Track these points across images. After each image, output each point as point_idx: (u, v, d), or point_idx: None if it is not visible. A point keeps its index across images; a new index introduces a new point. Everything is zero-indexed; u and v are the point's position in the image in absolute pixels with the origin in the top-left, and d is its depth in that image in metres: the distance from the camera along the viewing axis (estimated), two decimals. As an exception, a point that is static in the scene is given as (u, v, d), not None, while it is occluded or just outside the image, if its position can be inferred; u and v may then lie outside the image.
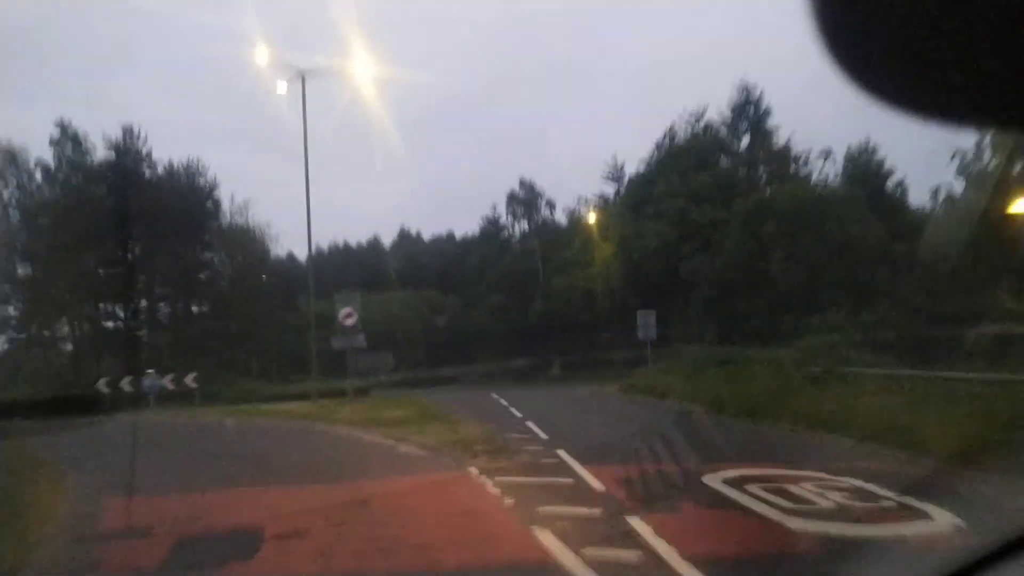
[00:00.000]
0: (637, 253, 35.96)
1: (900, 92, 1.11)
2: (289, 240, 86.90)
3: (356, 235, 72.73)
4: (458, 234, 71.25)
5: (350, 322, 24.19)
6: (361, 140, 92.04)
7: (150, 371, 31.40)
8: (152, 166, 38.56)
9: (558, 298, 47.39)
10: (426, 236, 74.07)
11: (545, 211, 55.36)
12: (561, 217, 54.35)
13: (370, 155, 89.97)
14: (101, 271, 37.53)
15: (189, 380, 31.61)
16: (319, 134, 60.34)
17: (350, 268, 56.98)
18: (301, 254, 55.89)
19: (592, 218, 45.93)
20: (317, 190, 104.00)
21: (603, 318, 42.13)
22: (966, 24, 1.00)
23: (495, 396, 26.56)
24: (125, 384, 30.81)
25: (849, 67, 1.09)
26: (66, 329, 37.56)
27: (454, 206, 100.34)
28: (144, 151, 38.00)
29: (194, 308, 39.42)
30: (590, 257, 44.00)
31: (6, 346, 37.12)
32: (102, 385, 30.73)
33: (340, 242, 70.72)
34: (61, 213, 35.89)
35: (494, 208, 60.59)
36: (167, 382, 31.24)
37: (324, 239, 69.33)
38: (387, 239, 72.61)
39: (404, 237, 74.33)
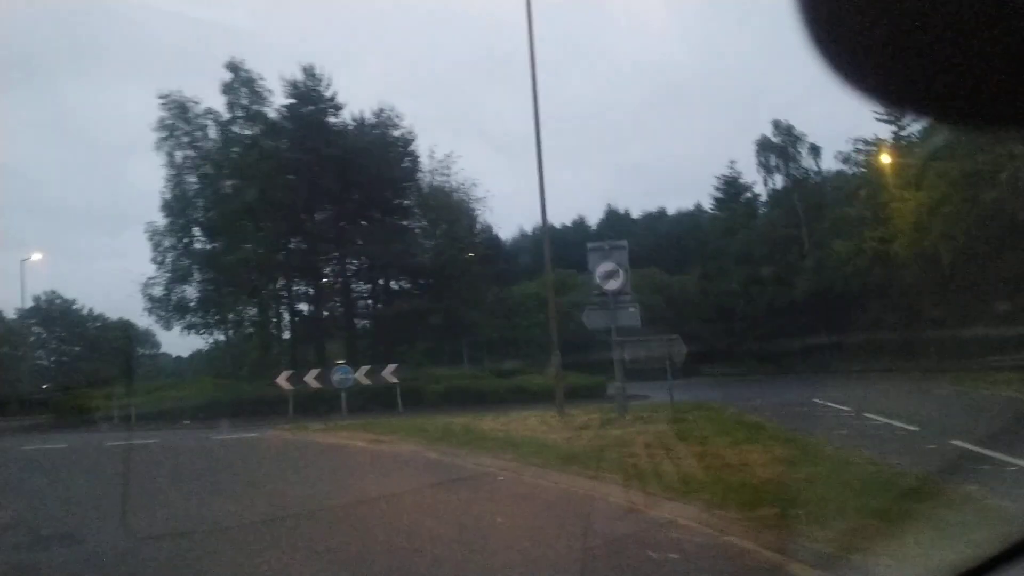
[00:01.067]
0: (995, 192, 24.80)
1: (894, 90, 1.11)
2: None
3: (559, 216, 65.66)
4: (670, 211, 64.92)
5: (614, 284, 15.63)
6: (568, 119, 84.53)
7: (341, 362, 24.80)
8: (339, 114, 32.43)
9: (832, 266, 36.71)
10: (635, 214, 67.69)
11: (808, 161, 43.93)
12: (831, 165, 42.77)
13: (578, 134, 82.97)
14: (286, 242, 31.67)
15: (388, 374, 24.63)
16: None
17: (556, 249, 49.53)
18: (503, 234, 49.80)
19: (886, 160, 34.68)
20: (521, 170, 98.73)
21: (921, 288, 31.00)
22: (958, 22, 0.99)
23: (873, 415, 13.93)
24: (311, 379, 24.39)
25: (839, 64, 1.08)
26: (250, 311, 32.01)
27: (664, 185, 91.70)
28: (329, 96, 31.93)
29: (393, 285, 32.75)
30: (887, 212, 32.93)
31: (186, 332, 32.12)
32: (283, 380, 24.47)
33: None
34: (239, 173, 30.31)
35: (731, 166, 50.21)
36: (361, 376, 24.50)
37: (527, 221, 63.97)
38: (593, 219, 66.59)
39: (611, 215, 67.17)
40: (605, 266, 15.67)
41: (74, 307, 65.16)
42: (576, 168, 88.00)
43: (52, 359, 63.53)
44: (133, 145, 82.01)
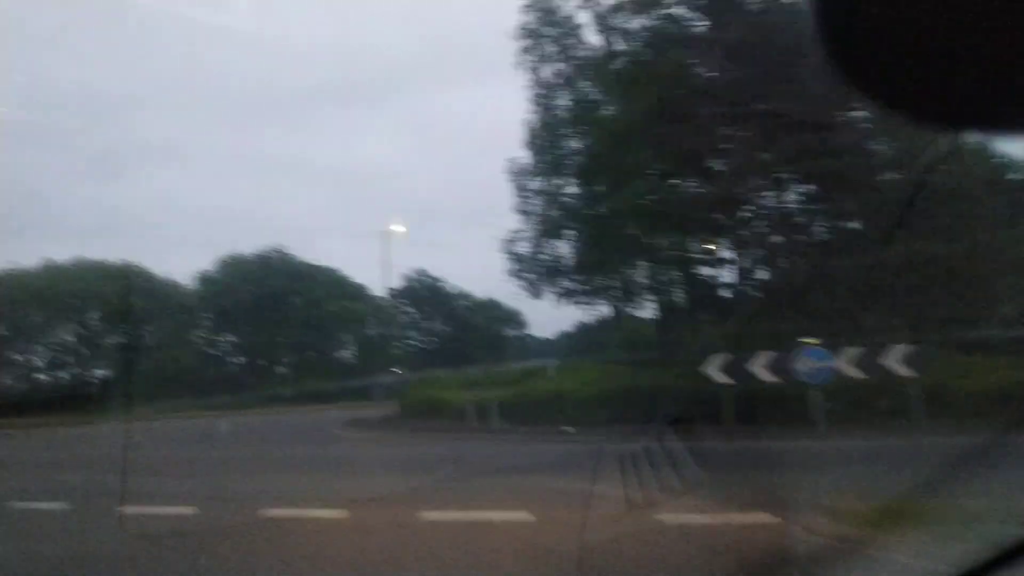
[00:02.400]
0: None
1: (902, 97, 1.10)
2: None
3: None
4: None
5: None
6: None
7: (811, 341, 14.96)
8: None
9: None
10: None
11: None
12: None
13: None
14: (693, 180, 22.49)
15: (895, 359, 14.25)
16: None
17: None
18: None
19: None
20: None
21: None
22: (965, 28, 0.98)
23: None
24: (762, 365, 14.94)
25: (852, 73, 1.07)
26: (648, 273, 23.43)
27: None
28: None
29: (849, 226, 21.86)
30: None
31: (560, 301, 24.58)
32: (715, 369, 15.34)
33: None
34: (627, 89, 21.82)
35: None
36: (846, 364, 14.48)
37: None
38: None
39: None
40: None
41: (440, 284, 63.72)
42: None
43: (420, 340, 62.52)
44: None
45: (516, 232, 24.73)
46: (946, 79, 1.02)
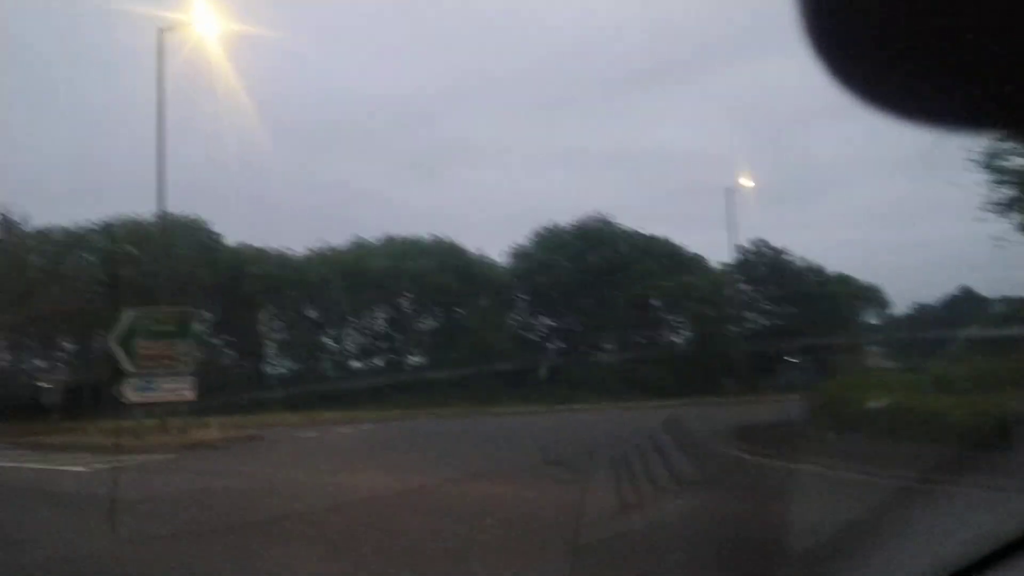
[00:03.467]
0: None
1: (893, 96, 1.11)
2: None
3: None
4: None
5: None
6: None
7: None
8: None
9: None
10: None
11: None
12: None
13: None
14: None
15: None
16: None
17: None
18: None
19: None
20: None
21: None
22: (957, 28, 0.98)
23: None
24: None
25: (839, 71, 1.07)
26: None
27: None
28: None
29: None
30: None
31: None
32: None
33: None
34: None
35: None
36: None
37: None
38: None
39: None
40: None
41: (783, 256, 51.87)
42: None
43: (763, 319, 51.13)
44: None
45: None
46: (934, 76, 1.01)
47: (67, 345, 35.91)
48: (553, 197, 65.77)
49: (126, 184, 42.98)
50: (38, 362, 34.76)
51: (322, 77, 62.19)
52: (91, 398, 25.83)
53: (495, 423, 26.72)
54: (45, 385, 26.03)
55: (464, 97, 64.99)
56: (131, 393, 20.60)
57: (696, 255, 48.53)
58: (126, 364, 20.76)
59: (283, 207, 54.77)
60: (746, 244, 48.50)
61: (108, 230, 37.13)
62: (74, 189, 49.92)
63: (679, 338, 48.68)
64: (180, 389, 21.05)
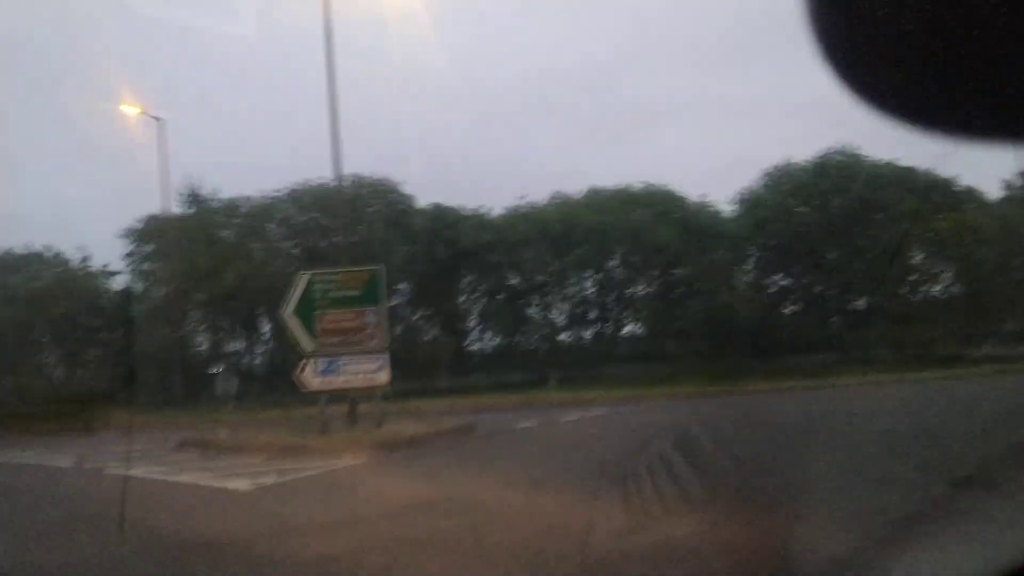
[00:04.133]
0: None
1: (902, 103, 1.09)
2: None
3: None
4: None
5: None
6: None
7: None
8: None
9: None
10: None
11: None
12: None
13: None
14: None
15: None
16: None
17: None
18: None
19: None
20: None
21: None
22: (967, 35, 0.97)
23: None
24: None
25: (848, 76, 1.06)
26: None
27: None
28: None
29: None
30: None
31: None
32: None
33: None
34: None
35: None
36: None
37: None
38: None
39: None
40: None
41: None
42: None
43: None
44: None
45: None
46: (941, 83, 0.99)
47: (256, 324, 33.33)
48: (760, 147, 58.25)
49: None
50: (225, 343, 32.39)
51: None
52: (271, 385, 22.30)
53: (767, 407, 20.28)
54: (221, 370, 22.67)
55: (645, 57, 59.72)
56: (311, 378, 16.28)
57: (968, 187, 38.71)
58: (304, 341, 16.44)
59: (475, 172, 51.27)
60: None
61: (295, 197, 34.15)
62: (262, 160, 49.00)
63: (945, 291, 39.17)
64: (372, 371, 16.45)
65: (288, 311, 16.71)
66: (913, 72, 1.01)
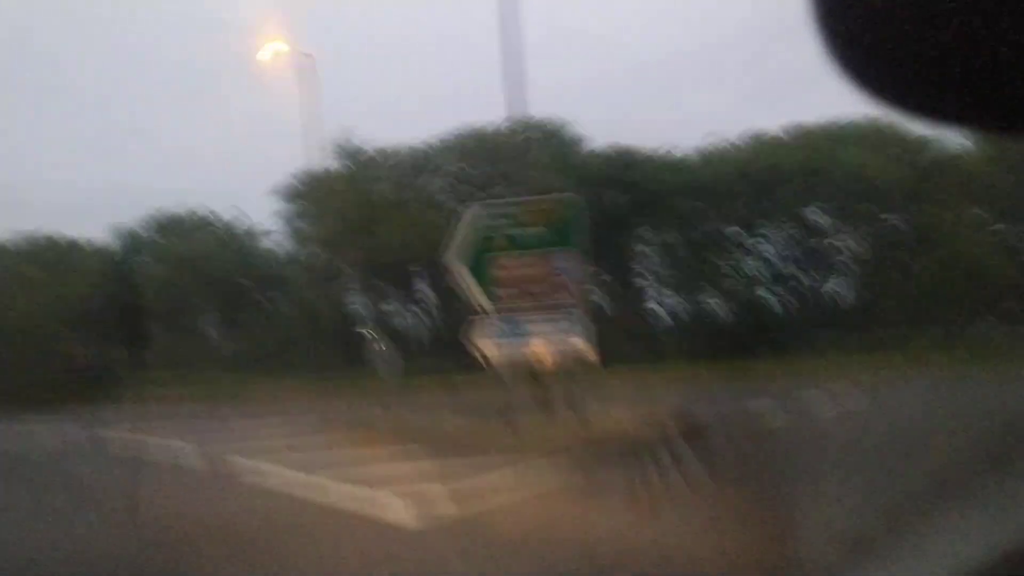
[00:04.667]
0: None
1: (908, 96, 1.05)
2: None
3: None
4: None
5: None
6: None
7: None
8: None
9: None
10: None
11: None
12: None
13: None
14: None
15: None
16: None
17: None
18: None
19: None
20: None
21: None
22: (971, 25, 0.93)
23: None
24: None
25: (854, 69, 1.01)
26: None
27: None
28: None
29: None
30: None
31: None
32: None
33: None
34: None
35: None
36: None
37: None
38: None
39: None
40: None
41: None
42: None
43: None
44: None
45: None
46: (949, 73, 0.96)
47: (416, 283, 30.02)
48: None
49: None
50: (383, 305, 29.27)
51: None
52: (433, 350, 18.70)
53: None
54: (377, 334, 19.10)
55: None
56: (486, 342, 12.10)
57: None
58: (476, 294, 12.27)
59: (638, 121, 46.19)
60: None
61: (457, 144, 30.55)
62: (422, 105, 46.58)
63: None
64: (567, 336, 12.07)
65: (452, 255, 12.59)
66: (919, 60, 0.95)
